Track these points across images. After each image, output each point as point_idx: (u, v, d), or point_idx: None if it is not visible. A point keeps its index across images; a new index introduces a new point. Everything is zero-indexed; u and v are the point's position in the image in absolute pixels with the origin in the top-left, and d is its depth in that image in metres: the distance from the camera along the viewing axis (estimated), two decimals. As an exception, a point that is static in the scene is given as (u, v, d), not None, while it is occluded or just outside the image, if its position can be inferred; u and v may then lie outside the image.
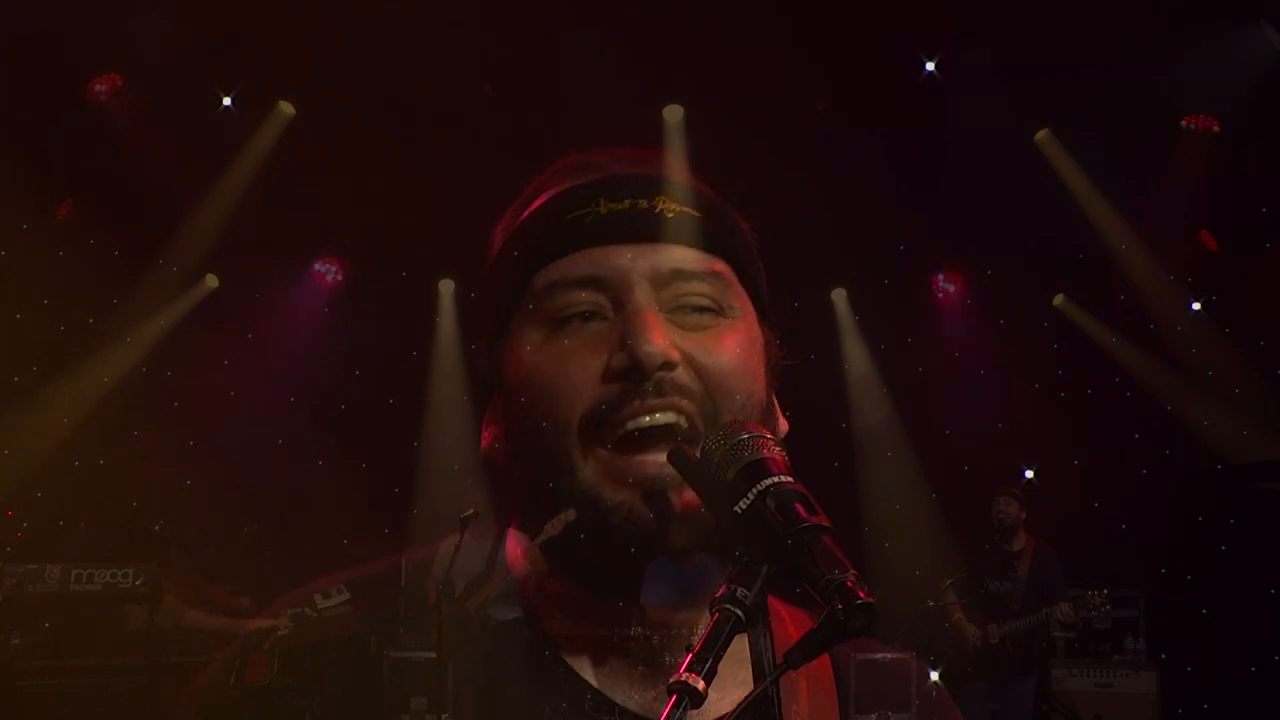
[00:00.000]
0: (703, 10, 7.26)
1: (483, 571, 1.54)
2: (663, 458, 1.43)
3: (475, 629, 1.45)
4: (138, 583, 6.86)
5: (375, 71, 7.66)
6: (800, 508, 1.25)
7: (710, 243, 1.60)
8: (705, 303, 1.57)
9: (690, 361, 1.50)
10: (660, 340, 1.48)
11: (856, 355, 9.63)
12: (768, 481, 1.29)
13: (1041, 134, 8.80)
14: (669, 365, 1.48)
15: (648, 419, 1.46)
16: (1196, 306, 8.96)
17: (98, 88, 8.08)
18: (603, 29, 7.17)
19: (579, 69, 7.06)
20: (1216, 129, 8.42)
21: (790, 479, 1.30)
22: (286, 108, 8.43)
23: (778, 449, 1.36)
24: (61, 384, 8.30)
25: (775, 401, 1.65)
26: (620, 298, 1.52)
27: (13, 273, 7.76)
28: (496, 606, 1.50)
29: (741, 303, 1.62)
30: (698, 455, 1.40)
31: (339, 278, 9.56)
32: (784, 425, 1.67)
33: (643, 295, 1.52)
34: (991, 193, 8.37)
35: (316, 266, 9.52)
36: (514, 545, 1.64)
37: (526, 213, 1.62)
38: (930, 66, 8.39)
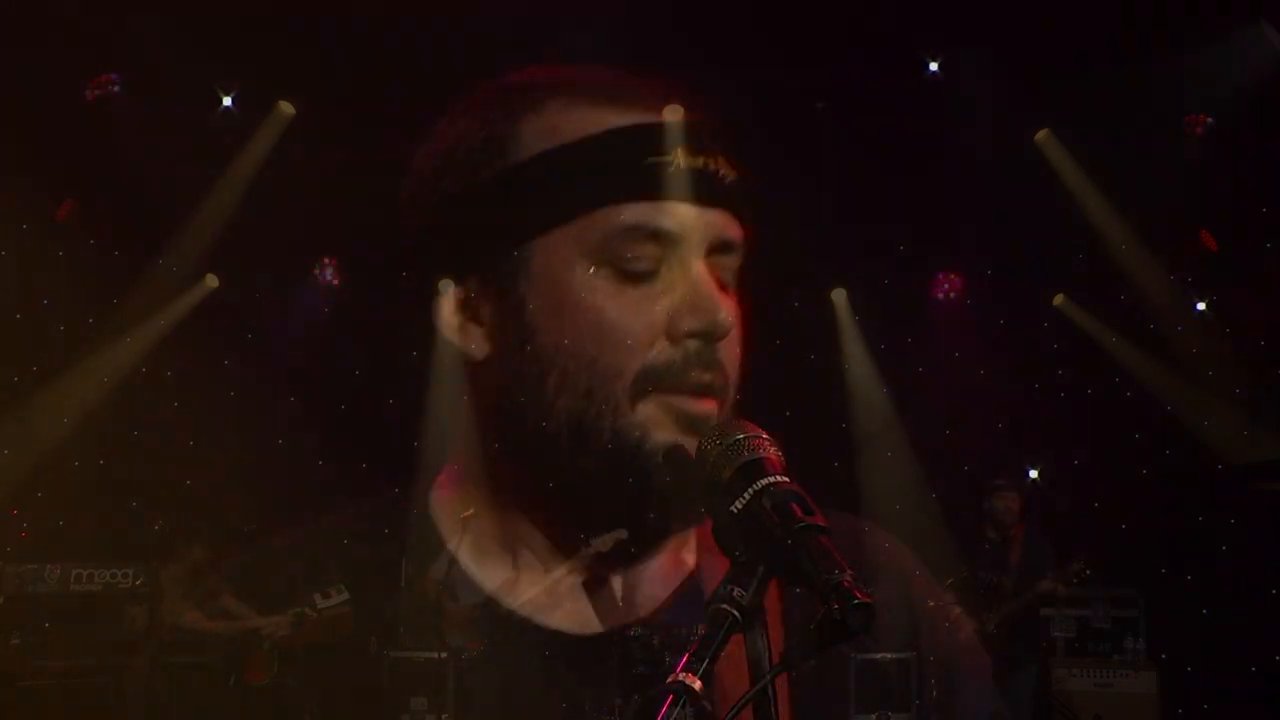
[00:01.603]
0: (701, 8, 7.26)
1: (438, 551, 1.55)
2: (712, 406, 1.50)
3: (480, 627, 1.45)
4: (138, 583, 6.86)
5: (375, 71, 7.66)
6: (796, 508, 1.25)
7: (747, 214, 1.65)
8: (731, 277, 1.62)
9: None
10: (730, 312, 1.54)
11: (856, 355, 9.62)
12: (764, 481, 1.29)
13: (1041, 134, 8.80)
14: (727, 335, 1.55)
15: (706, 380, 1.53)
16: (1201, 306, 8.96)
17: (97, 87, 8.08)
18: (603, 28, 7.17)
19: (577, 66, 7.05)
20: (1216, 129, 8.42)
21: (787, 479, 1.30)
22: (286, 108, 8.43)
23: (773, 449, 1.36)
24: (61, 384, 8.31)
25: None
26: (684, 258, 1.57)
27: (13, 273, 7.76)
28: (453, 585, 1.51)
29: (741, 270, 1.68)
30: (693, 454, 1.41)
31: (339, 278, 9.56)
32: None
33: (704, 261, 1.58)
34: (991, 193, 8.37)
35: (316, 266, 9.52)
36: (452, 486, 1.65)
37: (579, 130, 1.60)
38: (934, 67, 8.40)
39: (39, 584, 6.80)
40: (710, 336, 1.54)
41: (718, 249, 1.61)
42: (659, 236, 1.56)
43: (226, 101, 8.34)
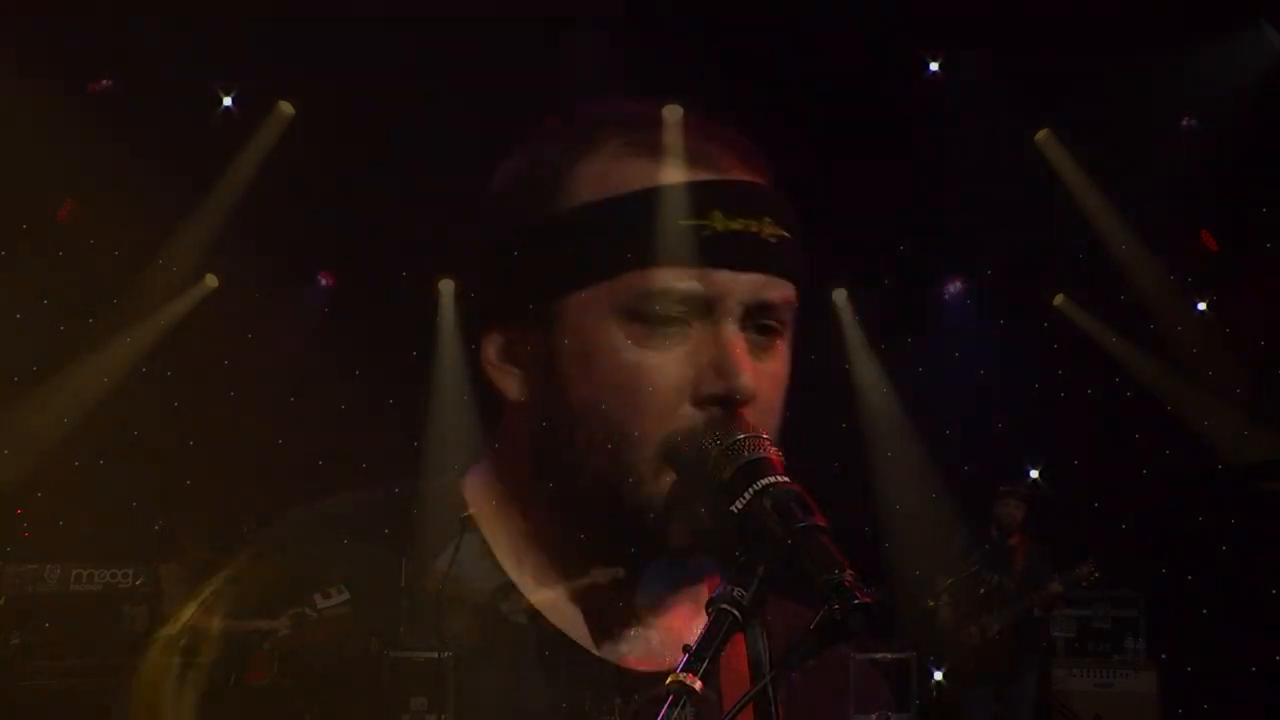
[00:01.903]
0: (701, 8, 7.25)
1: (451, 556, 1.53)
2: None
3: (490, 628, 1.45)
4: (138, 583, 6.86)
5: (375, 71, 7.65)
6: (797, 508, 1.25)
7: (791, 268, 1.62)
8: (775, 326, 1.59)
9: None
10: (752, 376, 1.49)
11: (857, 355, 9.60)
12: (764, 481, 1.29)
13: (1041, 134, 8.79)
14: (753, 397, 1.50)
15: None
16: (1202, 306, 8.96)
17: (97, 87, 8.07)
18: (602, 27, 7.17)
19: (577, 67, 7.06)
20: (1215, 129, 8.42)
21: (787, 479, 1.29)
22: (286, 108, 8.42)
23: (773, 449, 1.36)
24: (61, 384, 8.30)
25: None
26: (715, 320, 1.53)
27: (13, 273, 7.76)
28: (500, 598, 1.51)
29: (793, 319, 1.64)
30: (694, 453, 1.41)
31: (339, 278, 9.54)
32: None
33: (735, 322, 1.53)
34: (991, 193, 8.36)
35: (316, 266, 9.50)
36: (482, 486, 1.63)
37: (623, 184, 1.56)
38: (934, 67, 8.39)
39: (39, 584, 6.79)
40: (730, 402, 1.50)
41: (756, 311, 1.57)
42: (690, 299, 1.53)
43: (227, 101, 8.33)
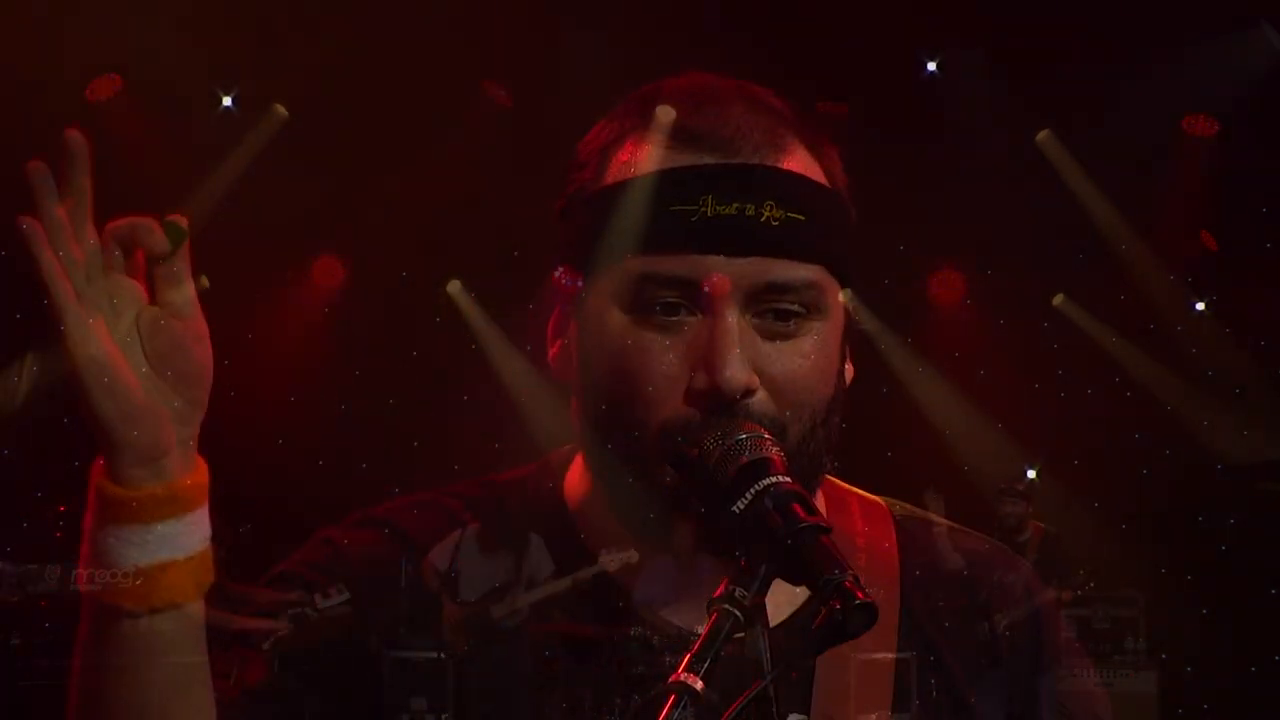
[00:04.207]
0: (700, 7, 7.26)
1: (512, 579, 1.51)
2: None
3: (474, 628, 1.45)
4: (138, 583, 6.85)
5: (376, 71, 7.66)
6: (798, 508, 1.25)
7: (809, 251, 1.57)
8: (794, 309, 1.53)
9: (765, 377, 1.47)
10: (740, 371, 1.44)
11: (856, 355, 9.60)
12: (766, 481, 1.29)
13: (1042, 134, 8.80)
14: (748, 393, 1.46)
15: None
16: (1200, 306, 8.96)
17: (98, 88, 8.07)
18: (603, 27, 7.17)
19: (580, 67, 7.06)
20: (1216, 129, 8.43)
21: (789, 479, 1.30)
22: (281, 111, 8.41)
23: (775, 449, 1.36)
24: (61, 383, 8.29)
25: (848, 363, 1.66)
26: (715, 309, 1.48)
27: (13, 272, 7.75)
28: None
29: (832, 299, 1.61)
30: (695, 453, 1.40)
31: (339, 278, 9.54)
32: (850, 372, 1.69)
33: (731, 309, 1.48)
34: (991, 193, 8.37)
35: (316, 266, 9.50)
36: (579, 478, 1.62)
37: (630, 168, 1.53)
38: (931, 66, 8.40)
39: (39, 584, 6.79)
40: (721, 395, 1.46)
41: (764, 294, 1.53)
42: (678, 284, 1.49)
43: (227, 101, 8.33)
